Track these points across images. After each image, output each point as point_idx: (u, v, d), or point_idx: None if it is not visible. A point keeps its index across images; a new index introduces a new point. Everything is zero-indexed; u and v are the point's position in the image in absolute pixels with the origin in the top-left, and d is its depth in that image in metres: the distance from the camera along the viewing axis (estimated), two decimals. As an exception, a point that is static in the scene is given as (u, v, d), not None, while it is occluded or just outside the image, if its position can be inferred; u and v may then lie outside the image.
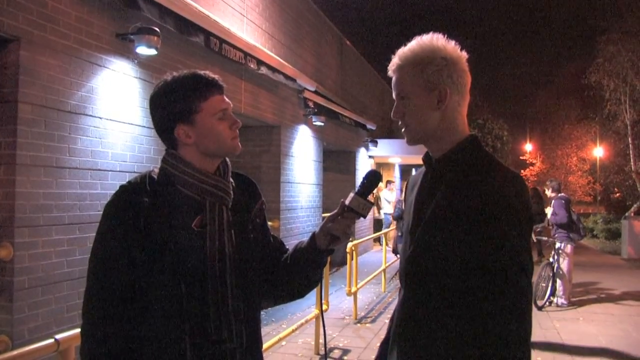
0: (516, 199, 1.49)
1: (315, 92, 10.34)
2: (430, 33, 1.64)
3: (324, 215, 11.37)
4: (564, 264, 8.43)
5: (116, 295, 1.61)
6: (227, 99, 1.73)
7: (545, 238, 9.52)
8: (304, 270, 1.81)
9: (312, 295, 5.47)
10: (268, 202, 2.07)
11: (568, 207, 8.57)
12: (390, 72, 1.69)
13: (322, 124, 10.65)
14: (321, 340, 5.73)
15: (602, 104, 21.51)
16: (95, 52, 4.81)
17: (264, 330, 6.25)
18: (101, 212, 1.68)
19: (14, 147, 4.08)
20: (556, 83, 36.24)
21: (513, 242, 1.47)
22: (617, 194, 26.84)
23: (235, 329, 1.66)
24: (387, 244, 10.01)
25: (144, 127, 5.39)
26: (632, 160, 20.62)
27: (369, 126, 14.43)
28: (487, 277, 1.46)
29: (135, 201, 1.63)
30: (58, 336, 2.40)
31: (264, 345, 4.32)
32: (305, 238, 1.80)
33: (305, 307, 7.47)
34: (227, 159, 1.79)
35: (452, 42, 1.64)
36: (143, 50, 5.17)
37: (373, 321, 7.36)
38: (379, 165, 18.47)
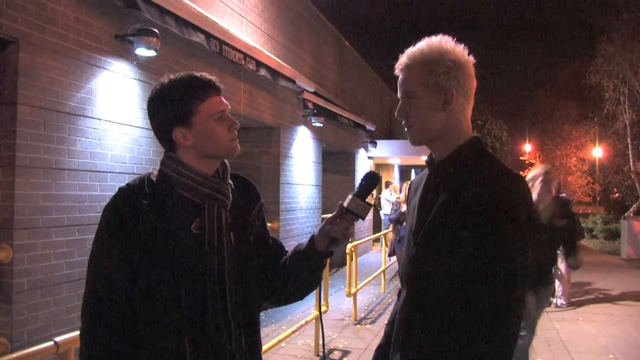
0: (518, 202, 1.49)
1: (315, 93, 10.34)
2: (440, 35, 1.65)
3: (323, 216, 11.36)
4: (563, 265, 8.42)
5: (115, 298, 1.61)
6: (224, 100, 1.73)
7: None
8: (303, 272, 1.80)
9: (312, 297, 5.46)
10: (267, 204, 2.07)
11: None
12: (397, 71, 1.69)
13: (321, 125, 10.65)
14: (321, 342, 5.72)
15: (601, 105, 21.53)
16: (94, 54, 4.81)
17: (264, 332, 6.25)
18: (100, 214, 1.67)
19: (13, 148, 4.07)
20: (555, 83, 36.26)
21: (512, 247, 1.47)
22: (617, 194, 26.89)
23: (235, 331, 1.66)
24: (386, 245, 10.00)
25: (144, 128, 5.39)
26: (631, 160, 20.63)
27: (368, 127, 14.43)
28: (484, 280, 1.46)
29: (134, 203, 1.62)
30: (57, 339, 2.40)
31: (264, 347, 4.32)
32: (304, 240, 1.80)
33: (305, 309, 7.47)
34: (226, 161, 1.79)
35: (461, 46, 1.64)
36: (142, 51, 5.17)
37: (373, 322, 7.36)
38: (378, 166, 18.47)
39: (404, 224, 7.30)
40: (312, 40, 11.47)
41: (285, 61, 9.06)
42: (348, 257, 7.51)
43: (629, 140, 20.57)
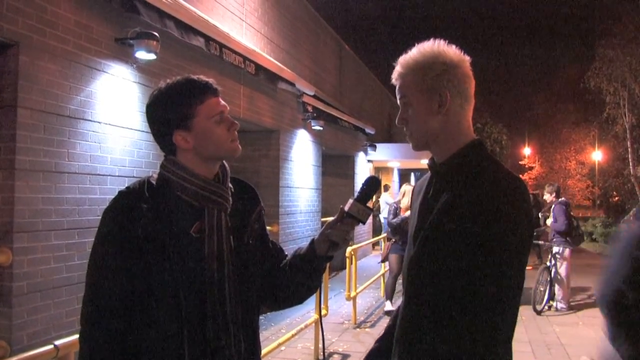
0: (516, 206, 1.49)
1: (314, 97, 10.34)
2: (432, 39, 1.65)
3: (323, 219, 11.36)
4: (562, 268, 8.42)
5: (114, 302, 1.61)
6: (223, 102, 1.73)
7: (542, 242, 9.51)
8: (303, 276, 1.80)
9: (312, 300, 5.47)
10: (267, 207, 2.07)
11: (568, 212, 8.56)
12: (393, 80, 1.71)
13: (321, 128, 10.66)
14: (320, 345, 5.72)
15: (601, 108, 21.57)
16: (94, 57, 4.81)
17: (263, 336, 6.24)
18: (100, 217, 1.67)
19: (13, 152, 4.07)
20: (555, 87, 36.28)
21: (509, 251, 1.47)
22: (616, 198, 26.88)
23: (234, 335, 1.66)
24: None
25: (143, 131, 5.39)
26: (630, 164, 20.65)
27: (367, 130, 14.44)
28: (479, 283, 1.47)
29: (133, 207, 1.62)
30: (57, 342, 2.40)
31: (263, 351, 4.32)
32: (304, 244, 1.80)
33: (305, 312, 7.46)
34: (226, 164, 1.79)
35: (453, 47, 1.64)
36: (142, 54, 5.17)
37: (372, 326, 7.35)
38: (377, 169, 18.47)
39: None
40: (312, 44, 11.48)
41: (285, 64, 9.07)
42: (348, 261, 7.51)
43: (628, 143, 20.59)
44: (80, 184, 4.66)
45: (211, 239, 1.65)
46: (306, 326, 5.68)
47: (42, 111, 4.28)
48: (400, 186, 17.40)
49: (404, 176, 22.22)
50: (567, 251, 8.42)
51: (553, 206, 8.66)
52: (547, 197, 9.01)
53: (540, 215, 11.40)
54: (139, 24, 5.12)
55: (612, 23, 19.67)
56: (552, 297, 8.47)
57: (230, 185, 1.78)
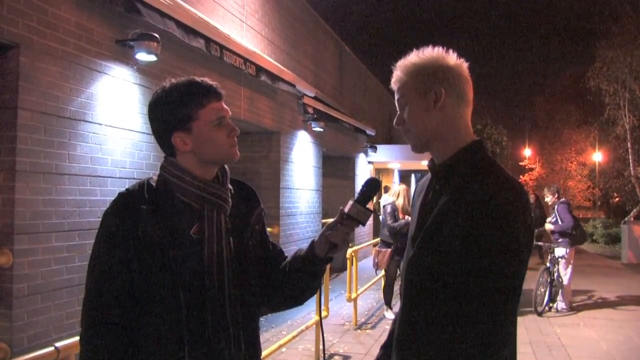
0: (513, 209, 1.49)
1: (315, 98, 10.34)
2: (430, 46, 1.68)
3: (323, 221, 11.35)
4: (564, 269, 8.41)
5: (115, 303, 1.61)
6: (225, 106, 1.73)
7: (541, 243, 9.49)
8: (303, 277, 1.80)
9: (312, 302, 5.47)
10: (267, 208, 2.07)
11: (571, 211, 8.58)
12: (392, 84, 1.72)
13: (322, 129, 10.65)
14: (321, 347, 5.70)
15: (601, 109, 21.54)
16: (94, 58, 4.82)
17: (264, 337, 6.24)
18: (100, 219, 1.67)
19: (13, 153, 4.07)
20: (555, 88, 36.23)
21: (505, 254, 1.46)
22: (617, 199, 26.87)
23: (234, 336, 1.65)
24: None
25: (144, 133, 5.39)
26: (631, 165, 20.62)
27: (368, 132, 14.43)
28: (474, 284, 1.46)
29: (133, 208, 1.62)
30: (58, 344, 2.39)
31: (264, 352, 4.32)
32: (305, 245, 1.80)
33: (305, 313, 7.45)
34: (226, 166, 1.79)
35: (450, 52, 1.66)
36: (143, 56, 5.17)
37: (373, 327, 7.34)
38: (378, 170, 18.46)
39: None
40: (312, 45, 11.48)
41: (285, 66, 9.07)
42: (348, 262, 7.50)
43: (629, 144, 20.56)
44: (81, 186, 4.66)
45: (211, 240, 1.65)
46: (307, 328, 5.68)
47: (42, 113, 4.28)
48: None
49: (404, 177, 22.22)
50: (570, 252, 8.40)
51: (556, 206, 8.64)
52: (549, 198, 9.00)
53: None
54: (139, 25, 5.12)
55: (612, 24, 19.65)
56: (553, 298, 8.45)
57: (230, 186, 1.78)
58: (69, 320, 4.46)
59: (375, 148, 15.36)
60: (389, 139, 18.76)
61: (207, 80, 1.71)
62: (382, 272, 8.14)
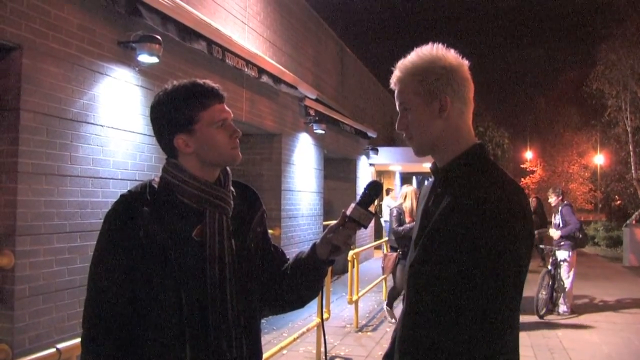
0: (514, 212, 1.48)
1: (316, 100, 10.35)
2: (430, 43, 1.65)
3: (324, 223, 11.35)
4: (567, 272, 8.39)
5: (116, 305, 1.61)
6: (227, 108, 1.73)
7: (543, 246, 9.47)
8: (305, 280, 1.80)
9: (313, 304, 5.48)
10: (269, 210, 2.07)
11: (574, 213, 8.57)
12: (392, 85, 1.70)
13: (323, 131, 10.66)
14: (322, 349, 5.70)
15: (603, 112, 21.53)
16: (97, 60, 4.82)
17: (265, 339, 6.23)
18: (102, 221, 1.67)
19: (15, 155, 4.08)
20: (557, 90, 36.23)
21: (505, 257, 1.46)
22: (618, 202, 26.83)
23: (236, 339, 1.65)
24: (387, 249, 9.90)
25: (145, 135, 5.40)
26: (633, 168, 20.61)
27: (369, 134, 14.44)
28: (475, 287, 1.46)
29: (135, 210, 1.62)
30: (60, 345, 2.39)
31: (265, 355, 4.31)
32: (306, 248, 1.80)
33: (307, 316, 7.44)
34: (228, 168, 1.79)
35: (452, 51, 1.64)
36: (145, 58, 5.18)
37: (374, 330, 7.33)
38: (379, 173, 18.47)
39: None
40: (314, 47, 11.50)
41: (287, 68, 9.09)
42: (350, 265, 7.49)
43: (630, 147, 20.55)
44: (83, 187, 4.66)
45: (213, 242, 1.65)
46: (308, 330, 5.67)
47: (44, 114, 4.29)
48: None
49: (405, 180, 22.19)
50: (572, 255, 8.38)
51: (560, 208, 8.60)
52: (553, 199, 8.95)
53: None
54: (141, 27, 5.13)
55: (614, 26, 19.66)
56: (554, 301, 8.44)
57: (232, 188, 1.78)
58: (71, 322, 4.47)
59: (377, 150, 15.36)
60: (391, 141, 18.77)
61: (210, 82, 1.71)
62: (385, 276, 8.05)
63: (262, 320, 1.88)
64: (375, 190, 1.75)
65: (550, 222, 9.44)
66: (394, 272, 7.44)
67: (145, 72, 5.45)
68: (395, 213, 7.29)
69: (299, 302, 1.88)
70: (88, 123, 4.73)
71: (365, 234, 14.55)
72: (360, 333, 7.14)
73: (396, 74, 1.67)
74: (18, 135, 4.08)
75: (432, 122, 1.62)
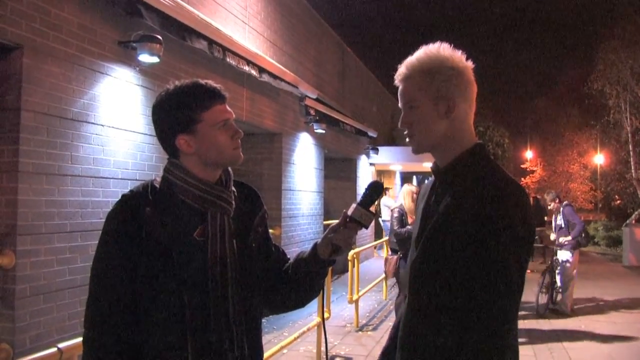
0: (514, 211, 1.49)
1: (317, 100, 10.35)
2: (438, 42, 1.64)
3: (325, 222, 11.35)
4: (568, 272, 8.38)
5: (118, 304, 1.61)
6: (229, 109, 1.73)
7: (543, 245, 9.46)
8: (305, 280, 1.80)
9: (314, 303, 5.48)
10: (269, 210, 2.08)
11: (575, 211, 8.58)
12: (397, 82, 1.69)
13: (324, 131, 10.66)
14: (323, 349, 5.71)
15: (603, 112, 21.52)
16: (97, 60, 4.83)
17: (265, 339, 6.23)
18: (103, 220, 1.68)
19: (16, 154, 4.08)
20: (557, 90, 36.24)
21: (506, 256, 1.46)
22: (618, 202, 26.81)
23: (237, 338, 1.66)
24: (388, 252, 9.89)
25: (146, 134, 5.40)
26: (633, 167, 20.60)
27: (370, 133, 14.44)
28: (476, 287, 1.47)
29: (137, 210, 1.63)
30: (61, 345, 2.39)
31: (266, 354, 4.31)
32: (307, 248, 1.81)
33: (307, 315, 7.45)
34: (229, 168, 1.79)
35: (458, 52, 1.64)
36: (145, 58, 5.18)
37: (375, 329, 7.34)
38: (380, 172, 18.46)
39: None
40: (314, 47, 11.50)
41: (288, 67, 9.09)
42: (350, 264, 7.50)
43: (630, 147, 20.54)
44: (84, 187, 4.66)
45: (214, 242, 1.65)
46: (308, 329, 5.67)
47: (45, 114, 4.29)
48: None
49: (406, 179, 22.21)
50: (574, 255, 8.37)
51: (561, 209, 8.58)
52: (551, 205, 8.95)
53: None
54: (142, 27, 5.13)
55: (614, 26, 19.65)
56: (554, 300, 8.44)
57: (233, 188, 1.78)
58: (72, 321, 4.47)
59: (377, 150, 15.36)
60: (391, 141, 18.77)
61: (211, 82, 1.71)
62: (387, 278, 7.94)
63: (263, 320, 1.88)
64: (376, 190, 1.75)
65: (550, 223, 9.44)
66: (397, 275, 7.32)
67: (145, 71, 5.45)
68: (396, 214, 7.03)
69: (300, 302, 1.89)
70: (89, 123, 4.73)
71: (365, 234, 14.56)
72: (360, 332, 7.15)
73: (403, 71, 1.66)
74: (19, 135, 4.08)
75: (438, 122, 1.62)
